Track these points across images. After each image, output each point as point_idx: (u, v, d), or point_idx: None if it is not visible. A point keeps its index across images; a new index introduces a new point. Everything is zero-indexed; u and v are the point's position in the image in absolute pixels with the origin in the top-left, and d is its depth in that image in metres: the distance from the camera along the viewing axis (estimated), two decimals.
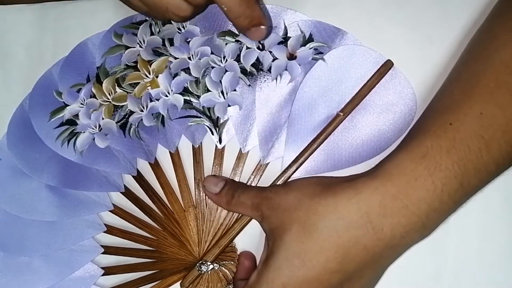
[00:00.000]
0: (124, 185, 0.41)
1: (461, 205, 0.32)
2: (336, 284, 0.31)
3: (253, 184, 0.39)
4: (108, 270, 0.40)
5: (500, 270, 0.37)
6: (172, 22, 0.41)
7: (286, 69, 0.39)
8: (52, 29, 0.44)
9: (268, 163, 0.39)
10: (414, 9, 0.40)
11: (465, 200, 0.32)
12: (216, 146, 0.40)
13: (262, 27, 0.35)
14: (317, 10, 0.41)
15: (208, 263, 0.38)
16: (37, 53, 0.44)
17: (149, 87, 0.40)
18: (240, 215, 0.38)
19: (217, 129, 0.40)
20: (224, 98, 0.40)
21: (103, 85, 0.41)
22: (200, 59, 0.40)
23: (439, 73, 0.39)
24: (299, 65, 0.39)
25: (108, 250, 0.40)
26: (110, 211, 0.41)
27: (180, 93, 0.40)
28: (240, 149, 0.40)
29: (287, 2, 0.41)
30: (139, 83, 0.41)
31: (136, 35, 0.41)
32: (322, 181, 0.35)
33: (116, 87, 0.41)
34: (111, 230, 0.40)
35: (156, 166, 0.41)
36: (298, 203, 0.33)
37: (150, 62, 0.40)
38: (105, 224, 0.40)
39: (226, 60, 0.40)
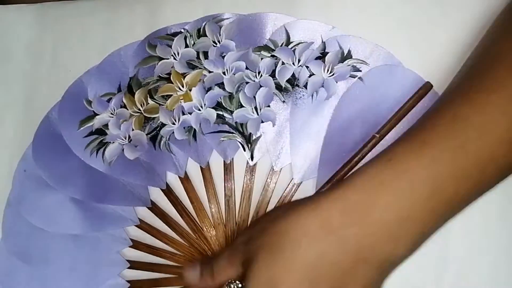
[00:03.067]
0: (151, 200, 0.40)
1: (443, 217, 0.29)
2: None
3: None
4: (134, 285, 0.39)
5: (500, 270, 0.36)
6: (208, 35, 0.40)
7: (322, 86, 0.39)
8: (52, 29, 0.44)
9: (301, 183, 0.39)
10: (414, 9, 0.39)
11: (447, 210, 0.29)
12: (247, 162, 0.39)
13: None
14: (315, 11, 0.40)
15: (237, 282, 0.37)
16: (37, 53, 0.43)
17: (181, 100, 0.40)
18: None
19: (249, 146, 0.39)
20: (258, 114, 0.39)
21: (135, 96, 0.40)
22: (234, 74, 0.39)
23: (439, 73, 0.38)
24: (336, 82, 0.38)
25: (134, 264, 0.39)
26: (136, 226, 0.40)
27: (213, 108, 0.39)
28: (272, 167, 0.39)
29: (285, 3, 0.40)
30: (171, 95, 0.40)
31: (170, 46, 0.40)
32: (286, 205, 0.34)
33: (148, 99, 0.40)
34: (137, 245, 0.40)
35: (186, 180, 0.40)
36: (263, 230, 0.31)
37: (183, 75, 0.40)
38: (131, 239, 0.40)
39: (261, 75, 0.39)
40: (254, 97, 0.39)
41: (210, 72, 0.40)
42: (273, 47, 0.39)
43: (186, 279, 0.36)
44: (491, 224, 0.37)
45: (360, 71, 0.38)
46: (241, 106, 0.39)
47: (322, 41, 0.39)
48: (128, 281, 0.39)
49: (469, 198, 0.30)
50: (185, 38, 0.40)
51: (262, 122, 0.39)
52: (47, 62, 0.43)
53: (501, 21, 0.35)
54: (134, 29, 0.42)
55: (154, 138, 0.40)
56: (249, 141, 0.39)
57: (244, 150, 0.39)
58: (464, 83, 0.32)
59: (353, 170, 0.35)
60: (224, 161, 0.40)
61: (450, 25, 0.39)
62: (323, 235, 0.29)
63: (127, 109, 0.40)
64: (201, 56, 0.40)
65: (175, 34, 0.41)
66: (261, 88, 0.39)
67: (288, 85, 0.39)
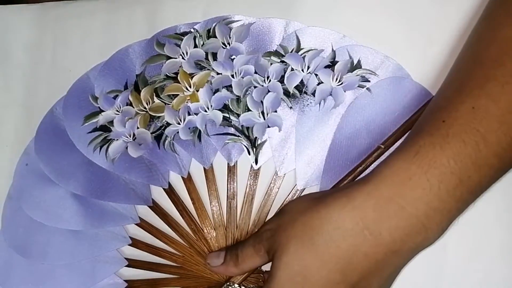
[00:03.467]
0: (152, 199, 0.40)
1: (467, 203, 0.31)
2: None
3: None
4: (131, 284, 0.39)
5: (500, 270, 0.37)
6: (217, 36, 0.40)
7: (330, 94, 0.39)
8: (52, 29, 0.43)
9: (303, 189, 0.39)
10: (414, 9, 0.40)
11: (470, 197, 0.31)
12: (251, 166, 0.40)
13: None
14: (315, 14, 0.40)
15: (236, 285, 0.38)
16: (37, 53, 0.43)
17: (188, 101, 0.40)
18: None
19: (254, 150, 0.39)
20: (264, 119, 0.39)
21: (141, 94, 0.40)
22: (243, 78, 0.39)
23: (439, 73, 0.38)
24: (344, 91, 0.39)
25: (132, 263, 0.39)
26: (136, 224, 0.40)
27: (219, 110, 0.39)
28: (276, 172, 0.39)
29: (285, 7, 0.40)
30: (178, 95, 0.40)
31: (179, 46, 0.40)
32: (313, 196, 0.34)
33: (154, 97, 0.40)
34: (136, 243, 0.40)
35: (188, 181, 0.40)
36: (293, 222, 0.32)
37: (191, 75, 0.40)
38: (130, 237, 0.39)
39: (270, 80, 0.39)
40: (262, 101, 0.39)
41: (218, 74, 0.40)
42: (283, 53, 0.39)
43: (210, 266, 0.37)
44: (489, 225, 0.37)
45: (369, 81, 0.38)
46: (248, 109, 0.39)
47: (333, 50, 0.39)
48: (126, 281, 0.39)
49: (489, 185, 0.31)
50: (194, 38, 0.40)
51: (268, 127, 0.39)
52: (47, 62, 0.43)
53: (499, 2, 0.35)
54: (134, 30, 0.42)
55: (158, 137, 0.40)
56: (254, 145, 0.39)
57: (249, 153, 0.39)
58: (477, 73, 0.32)
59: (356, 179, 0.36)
60: (228, 164, 0.40)
61: (455, 30, 0.39)
62: (358, 230, 0.30)
63: (133, 107, 0.40)
64: (210, 57, 0.40)
65: (184, 34, 0.40)
66: (269, 93, 0.39)
67: (296, 92, 0.39)
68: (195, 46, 0.40)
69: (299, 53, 0.39)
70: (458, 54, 0.36)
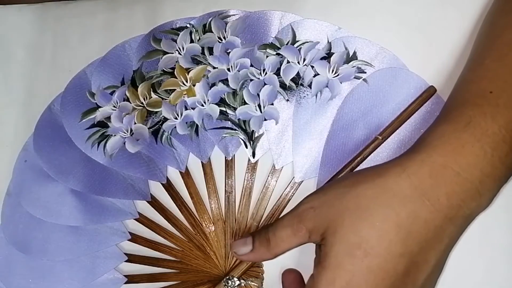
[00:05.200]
0: (151, 194, 0.40)
1: None
2: (402, 273, 0.29)
3: (284, 203, 0.39)
4: (131, 279, 0.39)
5: (500, 270, 0.37)
6: (213, 31, 0.40)
7: (327, 86, 0.39)
8: (52, 29, 0.44)
9: (301, 182, 0.39)
10: (414, 9, 0.40)
11: None
12: (249, 159, 0.40)
13: None
14: (316, 10, 0.40)
15: (235, 279, 0.38)
16: (37, 53, 0.43)
17: (185, 95, 0.40)
18: None
19: (252, 143, 0.39)
20: (261, 112, 0.39)
21: (139, 89, 0.40)
22: (239, 71, 0.39)
23: (443, 77, 0.38)
24: (341, 83, 0.39)
25: (132, 258, 0.39)
26: (135, 219, 0.40)
27: (216, 104, 0.39)
28: (274, 165, 0.39)
29: (286, 2, 0.40)
30: (175, 90, 0.40)
31: (175, 41, 0.40)
32: (360, 171, 0.34)
33: (151, 93, 0.40)
34: (135, 238, 0.40)
35: (186, 175, 0.40)
36: (343, 195, 0.31)
37: (188, 70, 0.40)
38: (129, 232, 0.40)
39: (266, 73, 0.39)
40: (258, 94, 0.39)
41: (214, 68, 0.40)
42: (279, 45, 0.39)
43: (237, 255, 0.35)
44: (490, 224, 0.37)
45: (365, 72, 0.38)
46: (245, 103, 0.39)
47: (328, 42, 0.39)
48: (126, 276, 0.39)
49: None
50: (191, 33, 0.40)
51: (265, 120, 0.39)
52: (47, 62, 0.43)
53: None
54: (134, 29, 0.42)
55: (156, 132, 0.40)
56: (251, 139, 0.39)
57: (246, 147, 0.39)
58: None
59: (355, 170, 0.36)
60: (225, 158, 0.40)
61: (455, 30, 0.39)
62: (416, 196, 0.30)
63: (130, 103, 0.40)
64: (206, 52, 0.40)
65: (180, 29, 0.41)
66: (265, 86, 0.39)
67: (293, 84, 0.39)
68: (191, 41, 0.40)
69: (295, 45, 0.39)
70: (487, 19, 0.36)
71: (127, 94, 0.40)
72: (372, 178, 0.31)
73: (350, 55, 0.39)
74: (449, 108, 0.33)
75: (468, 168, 0.30)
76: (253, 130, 0.39)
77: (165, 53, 0.40)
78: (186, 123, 0.40)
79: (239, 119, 0.39)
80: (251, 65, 0.39)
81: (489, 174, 0.30)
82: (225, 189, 0.40)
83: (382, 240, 0.29)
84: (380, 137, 0.37)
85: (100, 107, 0.40)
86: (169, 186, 0.40)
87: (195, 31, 0.40)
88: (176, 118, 0.39)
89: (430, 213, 0.29)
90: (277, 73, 0.39)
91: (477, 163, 0.30)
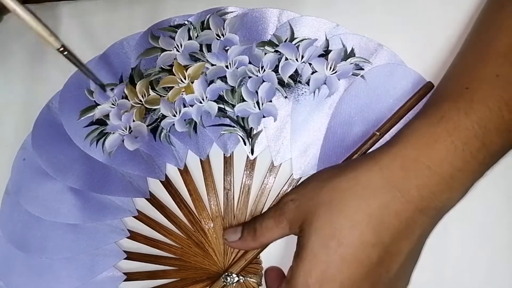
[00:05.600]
0: (150, 192, 0.40)
1: (488, 166, 0.32)
2: (376, 262, 0.30)
3: None
4: (130, 276, 0.39)
5: (500, 270, 0.37)
6: (211, 28, 0.40)
7: (325, 83, 0.39)
8: (52, 29, 0.43)
9: (300, 178, 0.39)
10: (414, 9, 0.40)
11: (492, 161, 0.32)
12: (247, 157, 0.40)
13: None
14: (316, 9, 0.40)
15: (234, 275, 0.38)
16: (37, 53, 0.43)
17: (183, 92, 0.40)
18: None
19: (250, 140, 0.39)
20: (259, 109, 0.39)
21: (137, 87, 0.40)
22: (237, 68, 0.39)
23: (439, 73, 0.38)
24: (339, 80, 0.39)
25: (131, 255, 0.39)
26: (134, 217, 0.40)
27: (214, 101, 0.39)
28: (272, 162, 0.39)
29: (285, 4, 0.40)
30: (173, 87, 0.40)
31: (173, 38, 0.40)
32: (337, 164, 0.35)
33: (150, 90, 0.40)
34: (134, 236, 0.40)
35: (185, 173, 0.40)
36: (319, 189, 0.32)
37: (186, 67, 0.40)
38: (128, 230, 0.40)
39: (264, 70, 0.39)
40: (256, 91, 0.39)
41: (212, 65, 0.40)
42: (277, 43, 0.39)
43: (227, 242, 0.37)
44: (490, 223, 0.37)
45: (363, 69, 0.39)
46: (243, 100, 0.39)
47: (326, 39, 0.39)
48: (125, 273, 0.39)
49: (509, 150, 0.32)
50: (189, 30, 0.40)
51: (264, 117, 0.39)
52: (47, 62, 0.43)
53: None
54: (134, 29, 0.42)
55: (154, 130, 0.40)
56: (250, 135, 0.39)
57: (245, 144, 0.39)
58: (500, 41, 0.33)
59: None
60: (224, 155, 0.40)
61: (452, 26, 0.39)
62: (387, 188, 0.30)
63: (129, 100, 0.40)
64: (204, 49, 0.40)
65: (179, 26, 0.41)
66: (263, 83, 0.39)
67: (291, 81, 0.39)
68: (190, 38, 0.40)
69: (293, 42, 0.39)
70: (478, 17, 0.37)
71: (126, 92, 0.40)
72: (346, 172, 0.32)
73: (348, 52, 0.39)
74: (428, 103, 0.34)
75: (439, 162, 0.30)
76: (251, 127, 0.39)
77: (163, 50, 0.40)
78: (185, 120, 0.40)
79: (237, 116, 0.39)
80: (250, 62, 0.39)
81: (460, 168, 0.30)
82: (224, 186, 0.40)
83: (354, 230, 0.30)
84: (378, 133, 0.37)
85: (98, 104, 0.40)
86: (167, 184, 0.40)
87: (193, 28, 0.40)
88: (174, 116, 0.39)
89: (401, 205, 0.30)
90: (275, 70, 0.39)
91: (447, 157, 0.30)
